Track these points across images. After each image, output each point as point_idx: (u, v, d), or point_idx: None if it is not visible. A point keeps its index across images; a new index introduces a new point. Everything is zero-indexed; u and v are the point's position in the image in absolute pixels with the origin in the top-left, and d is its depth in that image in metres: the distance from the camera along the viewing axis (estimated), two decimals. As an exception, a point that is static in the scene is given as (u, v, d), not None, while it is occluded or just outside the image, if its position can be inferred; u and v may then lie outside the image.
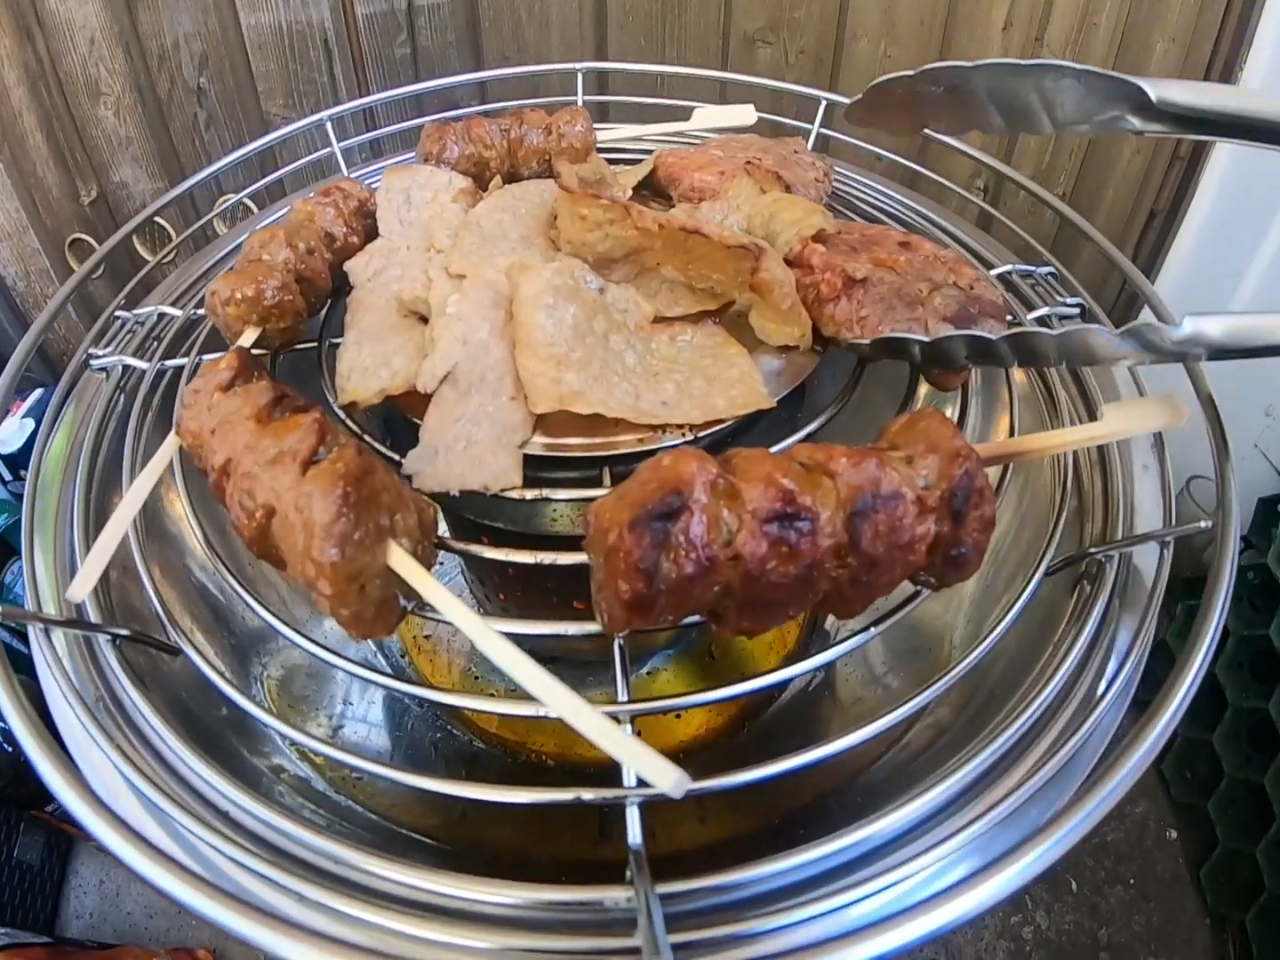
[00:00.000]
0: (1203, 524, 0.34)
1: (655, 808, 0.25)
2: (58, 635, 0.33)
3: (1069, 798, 0.26)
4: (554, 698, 0.20)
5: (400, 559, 0.24)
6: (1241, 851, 0.79)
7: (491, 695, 0.52)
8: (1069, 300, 0.48)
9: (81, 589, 0.31)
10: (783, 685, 0.52)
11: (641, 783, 0.23)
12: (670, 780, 0.18)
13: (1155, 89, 0.29)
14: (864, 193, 0.55)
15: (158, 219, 0.89)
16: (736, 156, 0.44)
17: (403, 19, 0.75)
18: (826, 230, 0.38)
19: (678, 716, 0.49)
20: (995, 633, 0.30)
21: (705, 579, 0.21)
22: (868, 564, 0.23)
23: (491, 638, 0.22)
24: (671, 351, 0.33)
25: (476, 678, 0.57)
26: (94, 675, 0.32)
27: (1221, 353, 0.26)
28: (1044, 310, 0.47)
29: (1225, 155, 0.89)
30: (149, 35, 0.80)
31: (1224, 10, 0.87)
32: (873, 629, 0.28)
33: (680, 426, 0.30)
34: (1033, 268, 0.50)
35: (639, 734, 0.22)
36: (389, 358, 0.34)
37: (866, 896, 0.23)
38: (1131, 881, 0.83)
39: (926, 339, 0.30)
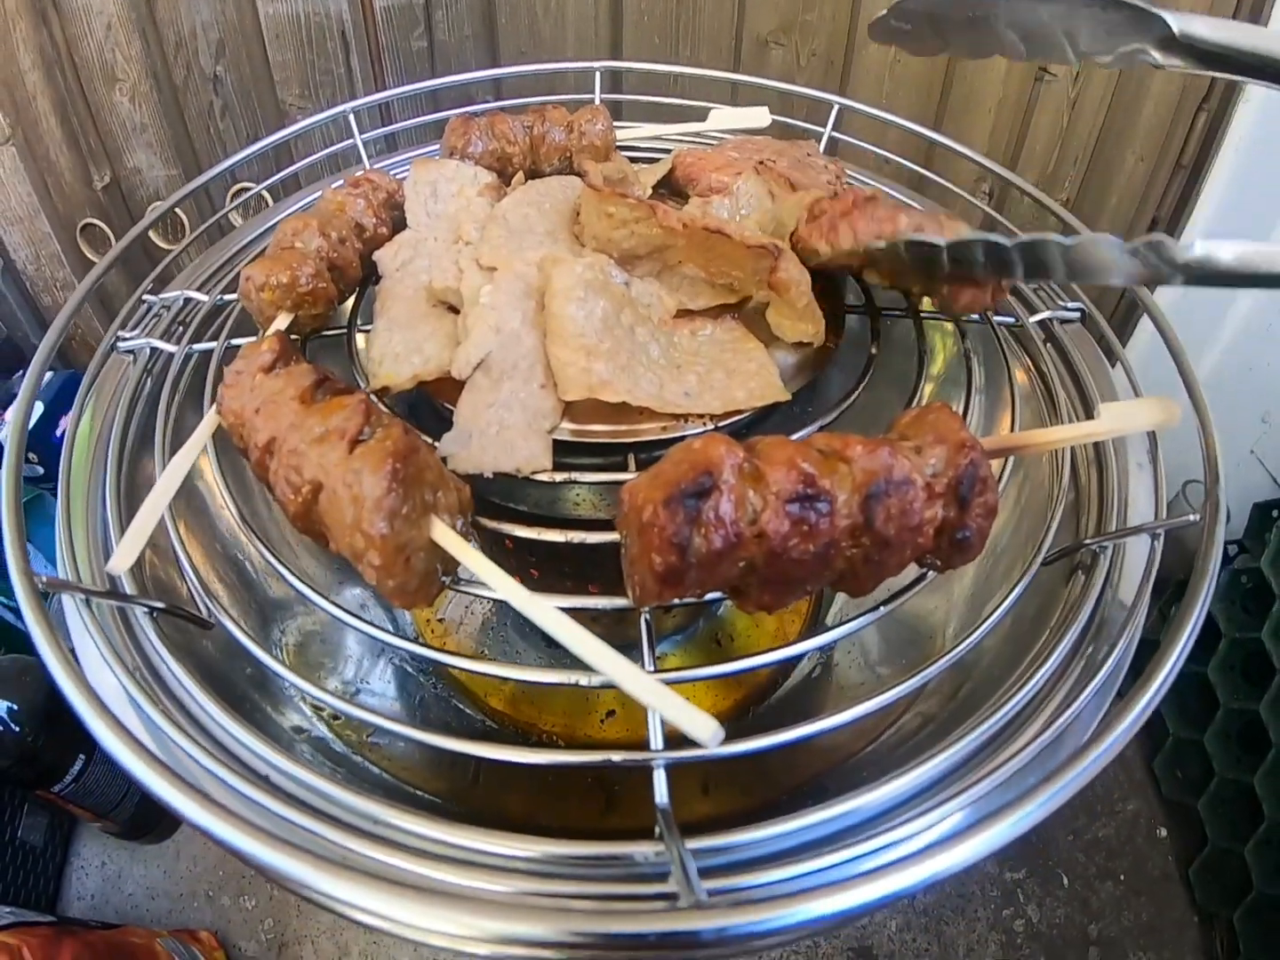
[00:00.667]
0: (1192, 517, 0.36)
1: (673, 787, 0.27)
2: (95, 606, 0.34)
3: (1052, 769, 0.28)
4: (602, 658, 0.22)
5: (443, 533, 0.26)
6: (1231, 850, 0.81)
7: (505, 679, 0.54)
8: (1070, 305, 0.50)
9: (123, 562, 0.33)
10: (792, 663, 0.54)
11: (668, 746, 0.25)
12: (708, 731, 0.20)
13: (1179, 22, 0.30)
14: None
15: (175, 209, 0.91)
16: (752, 158, 0.45)
17: (420, 12, 0.77)
18: (824, 200, 0.39)
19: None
20: (995, 615, 0.32)
21: (732, 554, 0.23)
22: (880, 544, 0.25)
23: (538, 603, 0.24)
24: (693, 345, 0.35)
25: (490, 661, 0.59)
26: (129, 645, 0.34)
27: (1228, 278, 0.25)
28: (1046, 314, 0.49)
29: (1228, 164, 0.91)
30: (166, 22, 0.81)
31: (1232, 14, 0.89)
32: (869, 615, 0.30)
33: (701, 416, 0.32)
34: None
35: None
36: (420, 344, 0.36)
37: (874, 851, 0.25)
38: (1122, 878, 0.85)
39: (945, 242, 0.30)
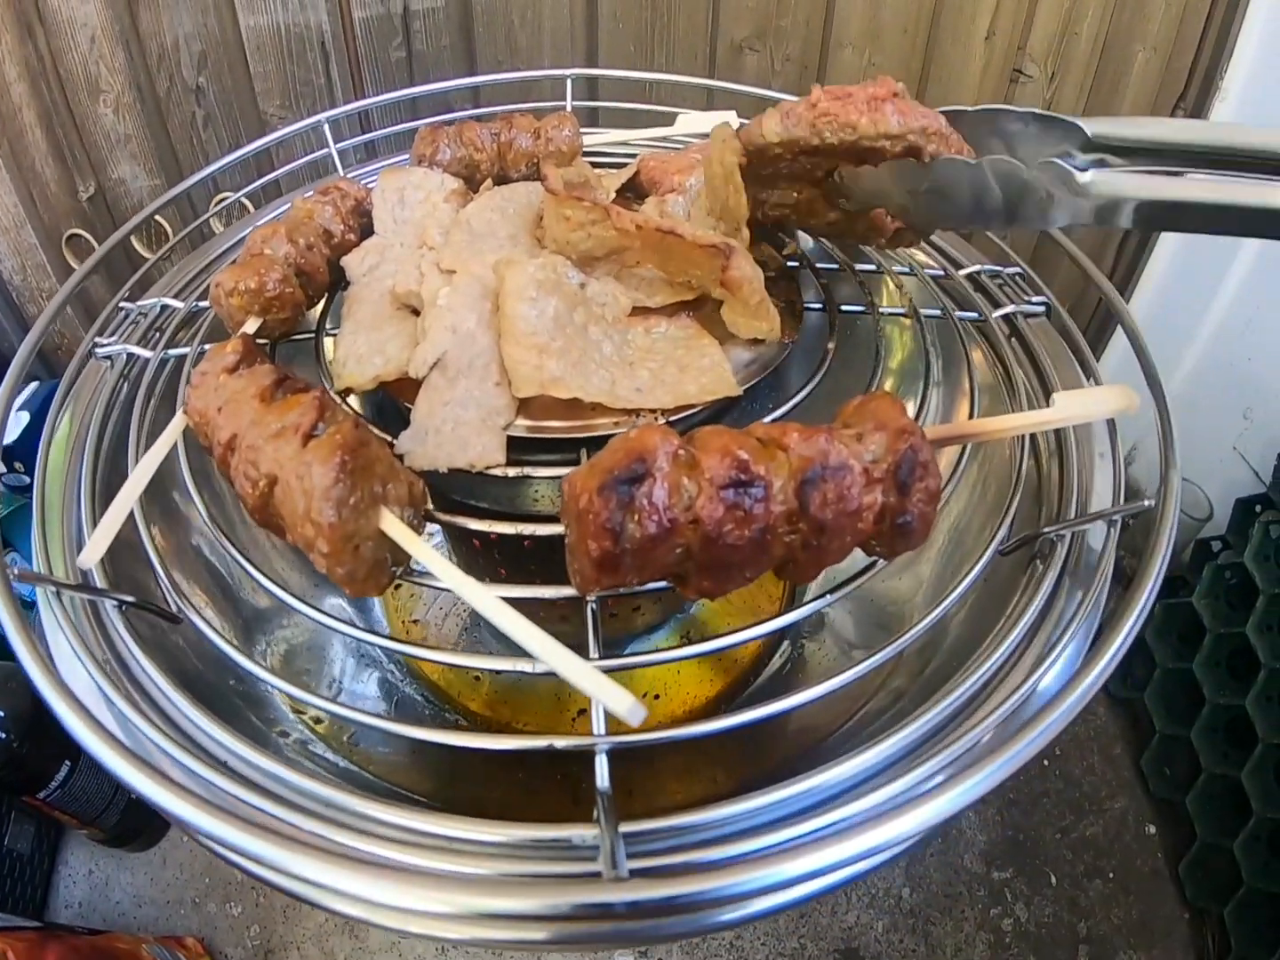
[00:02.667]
0: (1146, 502, 0.37)
1: (633, 779, 0.28)
2: (67, 601, 0.36)
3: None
4: (530, 637, 0.23)
5: (391, 523, 0.27)
6: (1219, 846, 0.82)
7: (477, 678, 0.55)
8: (1034, 299, 0.51)
9: (92, 556, 0.34)
10: (765, 657, 0.55)
11: (609, 731, 0.26)
12: (625, 707, 0.21)
13: (1090, 125, 0.33)
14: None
15: (157, 218, 0.92)
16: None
17: (399, 23, 0.78)
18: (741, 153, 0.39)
19: (656, 697, 0.52)
20: (944, 604, 0.33)
21: (667, 540, 0.24)
22: (818, 529, 0.26)
23: (475, 589, 0.25)
24: (647, 342, 0.36)
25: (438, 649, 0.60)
26: (100, 638, 0.35)
27: (1134, 211, 0.30)
28: (1010, 308, 0.50)
29: (1204, 163, 0.93)
30: (149, 34, 0.82)
31: (1205, 21, 0.91)
32: (829, 595, 0.31)
33: (653, 411, 0.33)
34: (1000, 267, 0.53)
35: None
36: (383, 346, 0.37)
37: (812, 833, 0.26)
38: (1111, 875, 0.85)
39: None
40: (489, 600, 0.24)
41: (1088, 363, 0.47)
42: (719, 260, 0.35)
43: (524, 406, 0.34)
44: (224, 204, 0.65)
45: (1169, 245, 0.98)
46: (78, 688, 0.33)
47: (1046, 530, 0.39)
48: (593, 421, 0.34)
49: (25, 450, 0.92)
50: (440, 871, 0.24)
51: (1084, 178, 0.31)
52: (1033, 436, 0.45)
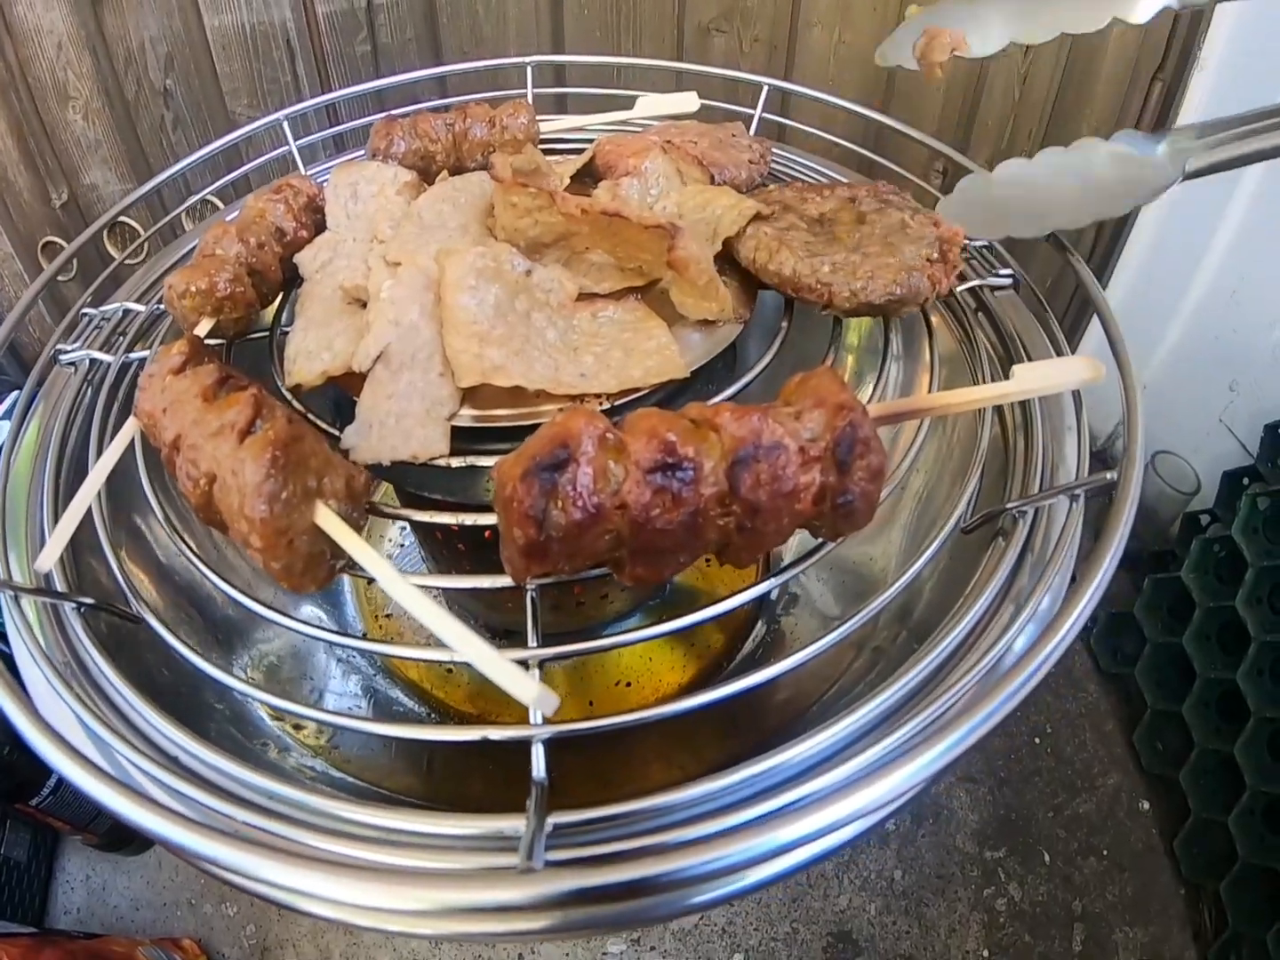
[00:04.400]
0: (1109, 475, 0.36)
1: (613, 763, 0.28)
2: (28, 606, 0.36)
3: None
4: (443, 626, 0.23)
5: (326, 517, 0.27)
6: (1214, 821, 0.81)
7: (450, 671, 0.55)
8: (1001, 271, 0.51)
9: (48, 559, 0.34)
10: (739, 639, 0.55)
11: (546, 722, 0.26)
12: (532, 695, 0.21)
13: None
14: (818, 179, 0.58)
15: (129, 220, 0.92)
16: (673, 141, 0.47)
17: (362, 17, 0.78)
18: (762, 212, 0.41)
19: (628, 685, 0.52)
20: (896, 586, 0.33)
21: (595, 526, 0.24)
22: (751, 511, 0.26)
23: (400, 584, 0.25)
24: (593, 327, 0.36)
25: (449, 670, 0.60)
26: (61, 642, 0.35)
27: None
28: (976, 281, 0.49)
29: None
30: (115, 38, 0.82)
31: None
32: (772, 579, 0.31)
33: (598, 396, 0.33)
34: (967, 241, 0.52)
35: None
36: (331, 341, 0.37)
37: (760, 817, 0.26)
38: (1105, 853, 0.85)
39: None
40: (406, 590, 0.24)
41: (1055, 335, 0.47)
42: (665, 241, 0.35)
43: (472, 396, 0.34)
44: (190, 202, 0.65)
45: (1150, 219, 0.97)
46: (35, 690, 0.34)
47: (1010, 506, 0.39)
48: (539, 409, 0.33)
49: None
50: (372, 863, 0.24)
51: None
52: (999, 411, 0.45)
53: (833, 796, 0.24)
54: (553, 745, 0.28)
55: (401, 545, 0.62)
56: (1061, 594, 0.38)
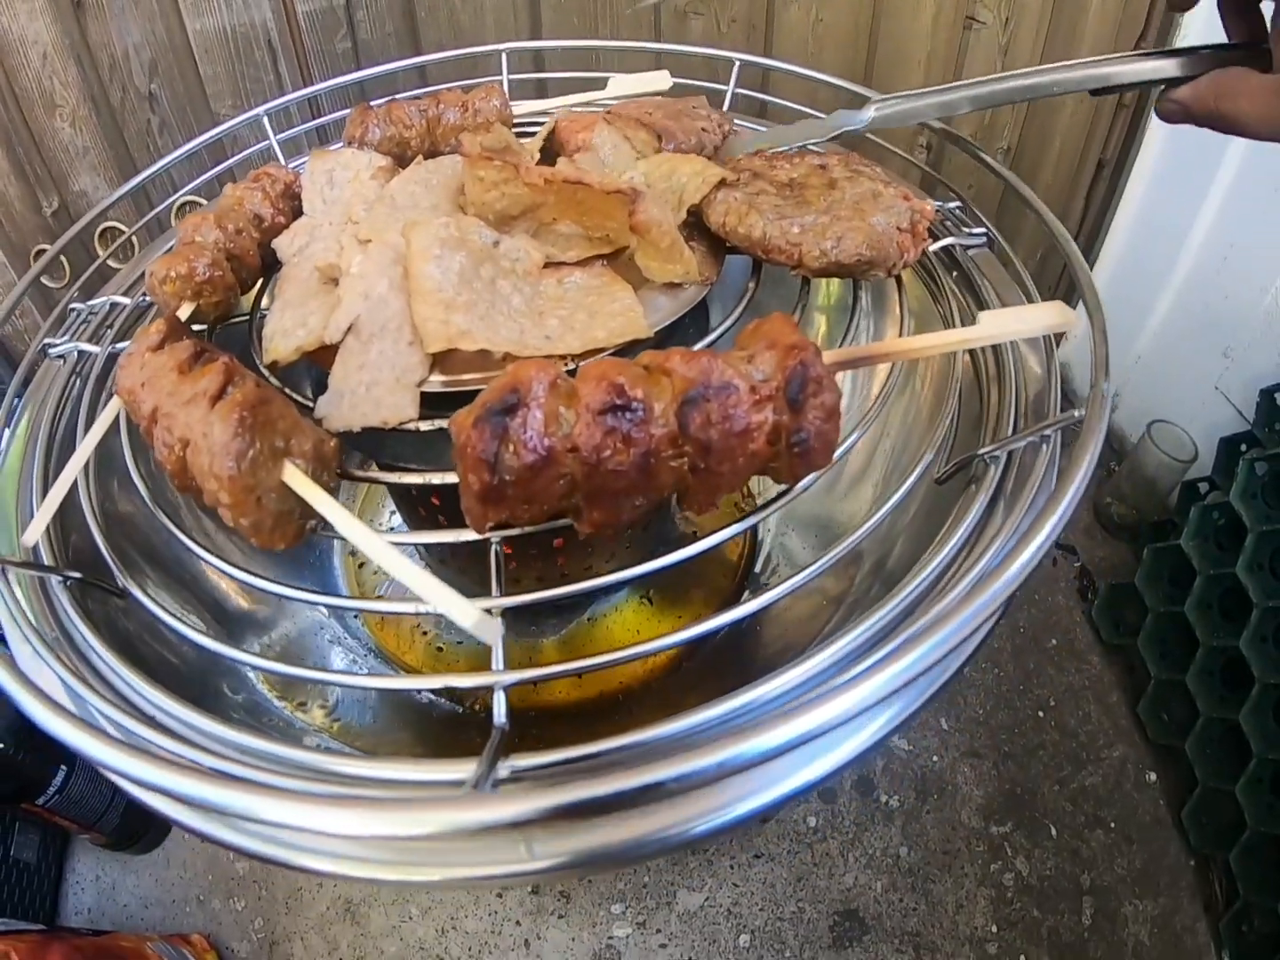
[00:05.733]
0: (1076, 413, 0.36)
1: (607, 729, 0.29)
2: (15, 580, 0.37)
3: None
4: (406, 572, 0.24)
5: (293, 475, 0.28)
6: (1221, 790, 0.82)
7: (440, 650, 0.56)
8: (975, 230, 0.51)
9: (34, 532, 0.35)
10: (719, 606, 0.55)
11: (508, 670, 0.27)
12: (472, 619, 0.22)
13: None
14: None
15: (117, 223, 0.94)
16: (622, 112, 0.48)
17: (342, 14, 0.79)
18: (727, 178, 0.42)
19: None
20: (868, 525, 0.34)
21: (547, 470, 0.25)
22: (703, 450, 0.27)
23: (369, 537, 0.26)
24: (559, 292, 0.37)
25: (440, 650, 0.62)
26: (48, 614, 0.37)
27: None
28: (949, 240, 0.50)
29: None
30: (99, 46, 0.84)
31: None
32: (735, 525, 0.32)
33: (563, 356, 0.34)
34: (942, 203, 0.53)
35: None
36: (306, 319, 0.38)
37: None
38: (1112, 825, 0.86)
39: None
40: (372, 540, 0.25)
41: (1029, 289, 0.47)
42: (627, 205, 0.36)
43: (441, 363, 0.35)
44: (173, 200, 0.66)
45: (1139, 187, 0.98)
46: (23, 661, 0.35)
47: (981, 452, 0.39)
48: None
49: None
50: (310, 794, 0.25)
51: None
52: (974, 362, 0.45)
53: (796, 711, 0.25)
54: (541, 715, 0.30)
55: (392, 529, 0.64)
56: (1045, 538, 0.38)
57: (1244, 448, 0.89)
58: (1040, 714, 0.91)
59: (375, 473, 0.33)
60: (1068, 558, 1.03)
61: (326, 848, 0.29)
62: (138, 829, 0.87)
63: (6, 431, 0.49)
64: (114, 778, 0.26)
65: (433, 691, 0.55)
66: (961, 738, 0.90)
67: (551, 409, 0.25)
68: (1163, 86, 0.43)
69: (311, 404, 0.36)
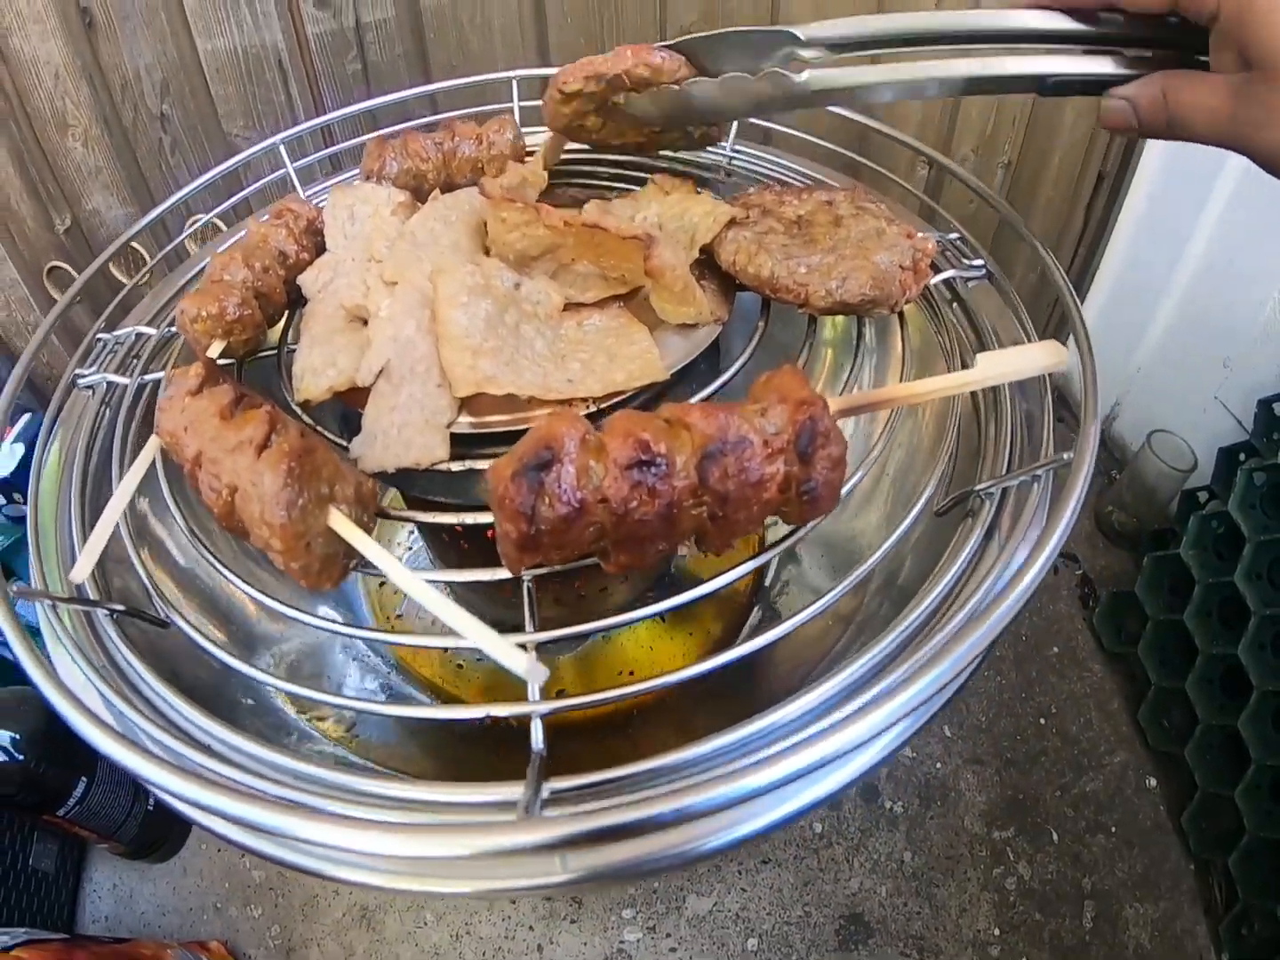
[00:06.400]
0: (1065, 455, 0.39)
1: (624, 749, 0.31)
2: (64, 615, 0.40)
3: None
4: (450, 614, 0.26)
5: (338, 520, 0.30)
6: (1221, 796, 0.84)
7: (460, 666, 0.59)
8: (974, 262, 0.53)
9: (83, 570, 0.38)
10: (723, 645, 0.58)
11: (544, 699, 0.30)
12: (523, 666, 0.24)
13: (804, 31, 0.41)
14: (803, 181, 0.61)
15: (132, 243, 0.96)
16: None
17: (352, 36, 0.82)
18: (736, 216, 0.44)
19: (631, 674, 0.56)
20: (871, 561, 0.36)
21: (580, 520, 0.28)
22: (720, 500, 0.29)
23: (407, 577, 0.28)
24: (579, 334, 0.39)
25: (460, 666, 0.64)
26: (95, 645, 0.39)
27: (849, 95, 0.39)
28: (950, 273, 0.52)
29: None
30: (111, 66, 0.86)
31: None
32: (750, 561, 0.35)
33: (585, 399, 0.36)
34: (943, 235, 0.55)
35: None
36: (335, 357, 0.41)
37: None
38: (1113, 830, 0.88)
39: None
40: (413, 582, 0.28)
41: (1024, 323, 0.50)
42: (642, 250, 0.38)
43: (468, 404, 0.38)
44: (195, 226, 0.68)
45: (1139, 200, 1.00)
46: (79, 692, 0.38)
47: (978, 488, 0.42)
48: (530, 414, 0.37)
49: (23, 481, 0.97)
50: (388, 824, 0.27)
51: (800, 78, 0.40)
52: (972, 394, 0.48)
53: (809, 741, 0.27)
54: (559, 731, 0.32)
55: (410, 549, 0.66)
56: (1037, 573, 0.40)
57: (1243, 457, 0.91)
58: (1042, 721, 0.94)
59: (410, 512, 0.35)
60: (1069, 566, 1.06)
61: (367, 862, 0.32)
62: (155, 839, 0.89)
63: (42, 460, 0.51)
64: (189, 810, 0.28)
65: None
66: (964, 745, 0.92)
67: (583, 464, 0.28)
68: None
69: (344, 443, 0.38)
